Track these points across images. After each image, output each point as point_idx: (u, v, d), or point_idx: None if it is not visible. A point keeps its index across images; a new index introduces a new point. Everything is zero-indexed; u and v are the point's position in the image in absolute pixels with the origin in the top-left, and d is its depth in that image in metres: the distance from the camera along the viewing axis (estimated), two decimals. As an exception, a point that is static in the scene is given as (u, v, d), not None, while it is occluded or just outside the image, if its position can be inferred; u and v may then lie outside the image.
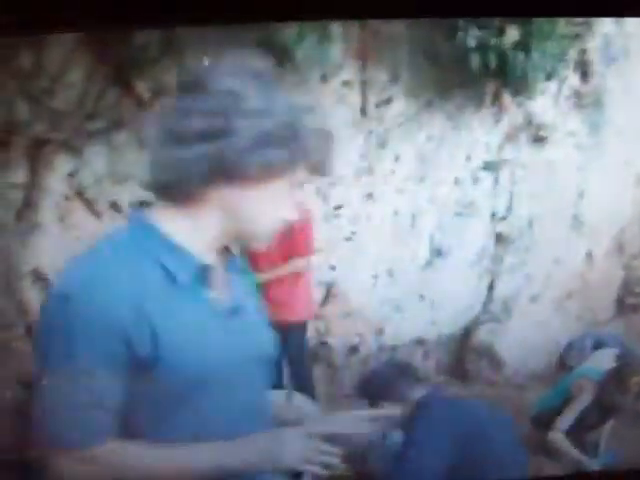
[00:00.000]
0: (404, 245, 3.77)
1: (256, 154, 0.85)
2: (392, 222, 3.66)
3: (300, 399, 2.24)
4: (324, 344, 3.93)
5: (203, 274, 0.92)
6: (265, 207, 0.92)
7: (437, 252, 3.85)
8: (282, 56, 2.65)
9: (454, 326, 4.15)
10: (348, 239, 3.65)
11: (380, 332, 4.01)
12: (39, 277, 3.27)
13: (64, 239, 3.27)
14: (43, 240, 3.20)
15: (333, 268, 3.71)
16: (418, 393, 2.21)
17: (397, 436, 2.81)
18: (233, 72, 0.88)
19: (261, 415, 1.00)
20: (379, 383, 2.29)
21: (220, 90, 0.86)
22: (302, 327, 3.44)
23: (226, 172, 0.86)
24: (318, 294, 3.76)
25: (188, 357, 0.88)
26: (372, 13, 1.52)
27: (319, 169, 0.94)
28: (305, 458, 0.93)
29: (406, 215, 3.68)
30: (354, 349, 4.02)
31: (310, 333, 3.78)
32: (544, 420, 2.94)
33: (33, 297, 3.28)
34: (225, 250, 0.99)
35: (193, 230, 0.91)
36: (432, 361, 4.27)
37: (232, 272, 1.01)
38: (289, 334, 3.31)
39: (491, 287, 4.13)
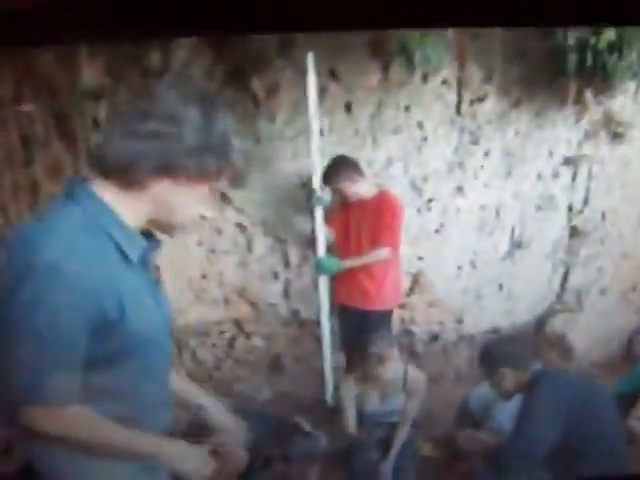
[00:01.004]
0: (487, 237, 3.96)
1: (195, 159, 1.07)
2: (478, 215, 3.84)
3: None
4: (408, 332, 4.11)
5: (145, 254, 1.15)
6: (187, 204, 1.13)
7: (517, 244, 4.03)
8: (405, 56, 2.84)
9: (528, 316, 4.32)
10: (437, 231, 3.84)
11: (460, 321, 4.19)
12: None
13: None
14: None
15: (421, 259, 3.90)
16: (535, 365, 2.37)
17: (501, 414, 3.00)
18: (183, 93, 1.08)
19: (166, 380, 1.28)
20: (505, 349, 2.42)
21: (172, 105, 1.06)
22: (387, 316, 3.59)
23: (169, 168, 1.07)
24: (405, 284, 3.95)
25: (140, 324, 1.10)
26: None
27: (237, 182, 1.18)
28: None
29: (491, 209, 3.86)
30: (435, 337, 4.20)
31: (395, 321, 3.97)
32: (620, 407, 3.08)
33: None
34: (147, 232, 1.18)
35: (127, 211, 1.10)
36: (505, 350, 4.43)
37: (153, 252, 1.22)
38: (373, 321, 3.47)
39: (565, 278, 4.30)
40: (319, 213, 3.41)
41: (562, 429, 2.12)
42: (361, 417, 3.11)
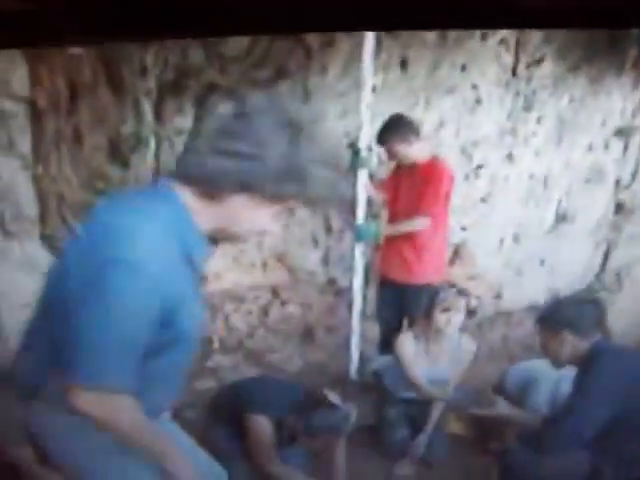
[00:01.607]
0: (533, 209, 3.84)
1: (276, 184, 1.11)
2: (526, 185, 3.72)
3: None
4: (445, 306, 3.99)
5: (205, 259, 1.21)
6: (257, 219, 1.18)
7: (562, 217, 3.92)
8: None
9: (568, 293, 4.21)
10: (483, 200, 3.71)
11: (499, 296, 4.08)
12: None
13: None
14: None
15: (464, 229, 3.78)
16: (596, 335, 2.20)
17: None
18: (271, 120, 1.12)
19: None
20: (569, 311, 2.27)
21: (263, 129, 1.11)
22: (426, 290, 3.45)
23: (249, 188, 1.12)
24: (447, 254, 3.82)
25: (186, 322, 1.16)
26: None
27: (311, 206, 1.35)
28: None
29: (540, 178, 3.74)
30: (472, 313, 4.07)
31: (432, 294, 3.84)
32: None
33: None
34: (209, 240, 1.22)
35: (201, 218, 1.15)
36: (541, 328, 4.33)
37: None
38: (411, 296, 3.31)
39: (606, 257, 4.19)
40: (363, 175, 3.27)
41: (618, 409, 1.99)
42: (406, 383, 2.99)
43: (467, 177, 3.60)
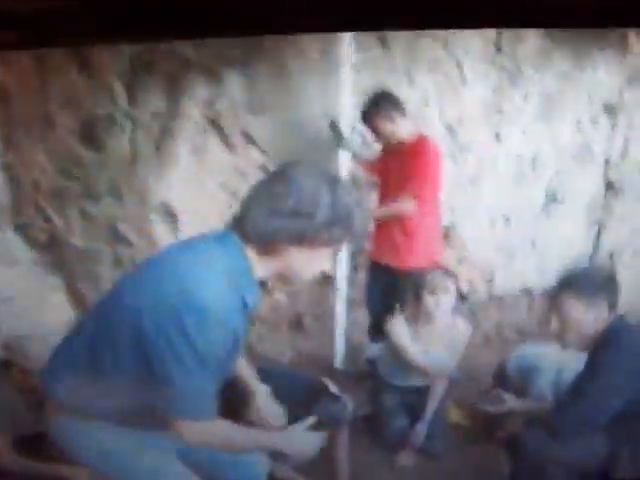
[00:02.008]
0: (523, 189, 3.77)
1: (326, 232, 1.27)
2: (514, 165, 3.64)
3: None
4: (435, 292, 3.90)
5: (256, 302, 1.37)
6: (312, 264, 1.34)
7: (552, 198, 3.85)
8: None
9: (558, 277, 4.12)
10: (471, 181, 3.63)
11: (490, 280, 3.99)
12: (168, 210, 3.24)
13: (196, 172, 3.24)
14: (176, 172, 3.17)
15: (452, 211, 3.69)
16: (611, 314, 2.08)
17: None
18: (315, 176, 1.29)
19: None
20: (584, 281, 2.17)
21: (308, 188, 1.26)
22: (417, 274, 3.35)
23: (303, 240, 1.27)
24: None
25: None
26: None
27: (356, 242, 1.62)
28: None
29: (528, 158, 3.66)
30: (464, 298, 4.00)
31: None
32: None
33: (163, 231, 3.24)
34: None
35: (259, 267, 1.32)
36: (535, 313, 4.25)
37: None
38: (404, 281, 3.21)
39: (598, 238, 4.12)
40: (344, 157, 3.18)
41: (635, 390, 1.91)
42: (401, 369, 2.90)
43: (454, 158, 3.52)
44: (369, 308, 3.61)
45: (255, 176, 3.34)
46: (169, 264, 1.29)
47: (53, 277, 3.28)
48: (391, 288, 3.32)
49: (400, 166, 3.07)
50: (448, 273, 2.79)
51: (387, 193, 3.23)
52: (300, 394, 2.31)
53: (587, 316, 2.03)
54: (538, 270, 4.09)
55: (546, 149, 3.68)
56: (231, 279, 1.25)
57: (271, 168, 3.33)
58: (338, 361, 3.60)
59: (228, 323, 1.24)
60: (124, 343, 1.26)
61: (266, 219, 1.25)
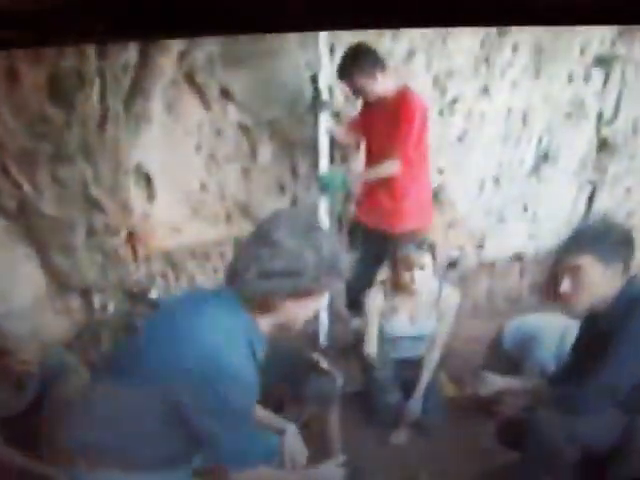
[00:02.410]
0: (513, 148, 3.63)
1: (316, 282, 1.34)
2: (504, 121, 3.51)
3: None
4: (424, 257, 3.76)
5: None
6: (307, 308, 1.42)
7: (544, 157, 3.73)
8: None
9: (552, 241, 4.00)
10: (460, 139, 3.50)
11: (481, 245, 3.87)
12: (142, 173, 3.08)
13: (171, 132, 3.08)
14: (149, 132, 3.01)
15: (441, 171, 3.56)
16: (628, 271, 1.91)
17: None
18: (296, 237, 1.34)
19: None
20: (599, 233, 1.98)
21: (291, 245, 1.32)
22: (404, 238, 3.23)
23: (295, 294, 1.35)
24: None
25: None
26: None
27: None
28: None
29: (518, 114, 3.53)
30: (454, 264, 3.87)
31: (411, 245, 3.62)
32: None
33: (137, 196, 3.09)
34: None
35: (260, 321, 1.40)
36: (527, 280, 4.14)
37: None
38: (391, 246, 3.12)
39: (591, 199, 4.00)
40: (324, 119, 3.03)
41: None
42: (387, 341, 2.78)
43: (442, 113, 3.38)
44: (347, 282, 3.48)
45: (233, 136, 3.19)
46: (184, 332, 1.34)
47: (23, 247, 3.11)
48: (373, 257, 3.20)
49: (384, 123, 2.93)
50: (424, 246, 2.62)
51: (372, 152, 3.09)
52: (289, 370, 2.19)
53: (603, 277, 1.84)
54: (529, 235, 3.98)
55: (537, 104, 3.55)
56: (241, 337, 1.33)
57: (249, 126, 3.18)
58: (322, 336, 3.47)
59: (250, 380, 1.33)
60: (154, 418, 1.34)
61: (257, 281, 1.31)
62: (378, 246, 3.14)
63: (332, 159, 3.17)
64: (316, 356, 2.32)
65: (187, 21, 0.88)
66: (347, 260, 1.40)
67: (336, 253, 1.36)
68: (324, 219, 3.11)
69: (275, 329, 1.43)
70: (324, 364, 2.27)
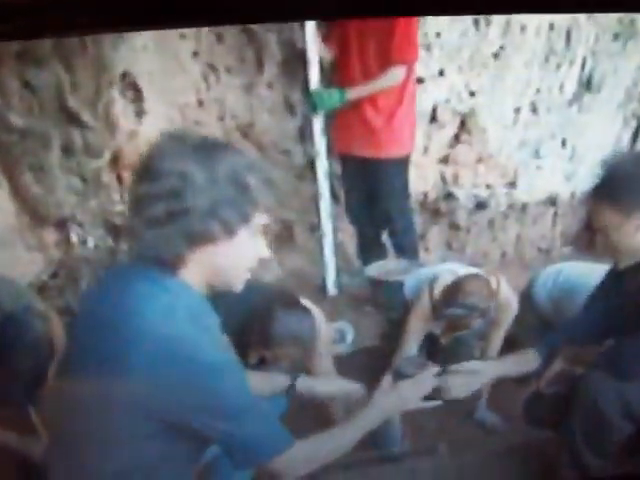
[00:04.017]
0: (554, 72, 3.23)
1: (216, 218, 1.05)
2: (545, 39, 3.10)
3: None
4: (449, 196, 3.38)
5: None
6: (234, 258, 1.11)
7: (587, 84, 3.32)
8: None
9: (590, 184, 3.61)
10: (496, 56, 3.08)
11: (512, 184, 3.48)
12: (130, 83, 2.67)
13: (164, 35, 2.67)
14: (138, 34, 2.60)
15: (473, 94, 3.15)
16: None
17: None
18: (176, 152, 1.04)
19: None
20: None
21: (168, 172, 1.02)
22: (401, 166, 2.87)
23: (195, 239, 1.06)
24: (451, 128, 3.20)
25: None
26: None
27: (279, 205, 1.23)
28: None
29: (561, 31, 3.12)
30: (482, 205, 3.48)
31: (434, 181, 3.24)
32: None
33: (123, 110, 2.68)
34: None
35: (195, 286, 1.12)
36: (559, 227, 3.75)
37: None
38: (384, 175, 2.81)
39: (636, 136, 3.61)
40: (310, 28, 2.64)
41: None
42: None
43: (476, 22, 2.96)
44: (354, 224, 3.15)
45: (236, 42, 2.78)
46: (113, 321, 1.06)
47: (-11, 166, 2.70)
48: (371, 187, 2.87)
49: (366, 30, 2.61)
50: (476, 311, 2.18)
51: (351, 68, 2.72)
52: (261, 305, 1.86)
53: None
54: (566, 175, 3.59)
55: (582, 21, 3.13)
56: (179, 308, 1.06)
57: (255, 30, 2.76)
58: (330, 284, 3.12)
59: (212, 358, 1.07)
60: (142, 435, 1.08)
61: (146, 232, 1.05)
62: (366, 178, 2.89)
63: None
64: (293, 292, 2.06)
65: (188, 10, 0.80)
66: (255, 181, 1.06)
67: (237, 172, 1.05)
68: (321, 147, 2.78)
69: (211, 288, 1.15)
70: (307, 303, 1.98)
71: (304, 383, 1.55)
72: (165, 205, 1.02)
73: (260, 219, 1.11)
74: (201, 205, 1.02)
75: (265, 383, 1.53)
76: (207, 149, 1.06)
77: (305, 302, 2.04)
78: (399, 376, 1.39)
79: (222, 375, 1.07)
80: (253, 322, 1.84)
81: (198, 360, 1.04)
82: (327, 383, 1.71)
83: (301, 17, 2.07)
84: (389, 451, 2.10)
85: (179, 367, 1.02)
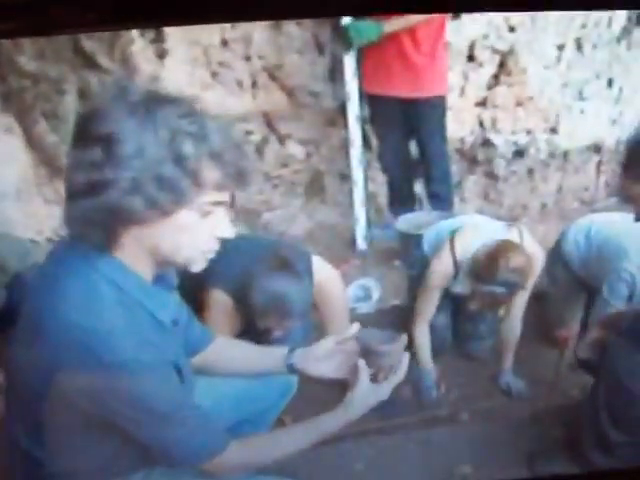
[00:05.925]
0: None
1: (135, 198, 0.88)
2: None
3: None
4: (486, 143, 3.23)
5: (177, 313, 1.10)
6: (178, 241, 0.96)
7: (637, 18, 3.11)
8: None
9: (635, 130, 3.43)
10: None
11: (554, 130, 3.31)
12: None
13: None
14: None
15: (513, 29, 2.98)
16: None
17: None
18: (109, 111, 0.90)
19: None
20: None
21: (96, 136, 0.89)
22: (440, 106, 2.74)
23: (118, 218, 0.91)
24: (489, 67, 3.04)
25: None
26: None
27: (234, 182, 0.97)
28: None
29: (610, -42, 2.90)
30: (520, 153, 3.33)
31: (469, 126, 3.09)
32: None
33: (143, 52, 2.58)
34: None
35: (136, 268, 0.99)
36: (604, 177, 3.58)
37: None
38: (424, 114, 2.70)
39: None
40: None
41: None
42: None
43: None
44: (387, 172, 3.03)
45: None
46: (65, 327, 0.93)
47: (2, 116, 2.63)
48: (412, 132, 2.75)
49: None
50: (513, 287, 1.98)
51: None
52: (251, 262, 1.75)
53: None
54: (612, 119, 3.42)
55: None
56: (125, 300, 0.97)
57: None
58: (360, 238, 3.01)
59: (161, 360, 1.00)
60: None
61: (71, 205, 0.94)
62: (403, 121, 2.77)
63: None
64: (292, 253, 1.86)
65: (189, 7, 0.79)
66: (192, 150, 0.90)
67: (176, 132, 0.89)
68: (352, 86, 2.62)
69: (164, 267, 1.04)
70: (300, 267, 1.80)
71: (302, 357, 1.28)
72: (85, 176, 0.89)
73: (210, 197, 0.94)
74: (123, 179, 0.88)
75: (265, 359, 1.34)
76: (148, 108, 0.89)
77: (317, 262, 1.92)
78: (368, 353, 1.18)
79: (138, 375, 0.95)
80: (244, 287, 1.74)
81: (108, 357, 0.92)
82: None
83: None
84: (401, 419, 2.00)
85: (89, 361, 0.92)
